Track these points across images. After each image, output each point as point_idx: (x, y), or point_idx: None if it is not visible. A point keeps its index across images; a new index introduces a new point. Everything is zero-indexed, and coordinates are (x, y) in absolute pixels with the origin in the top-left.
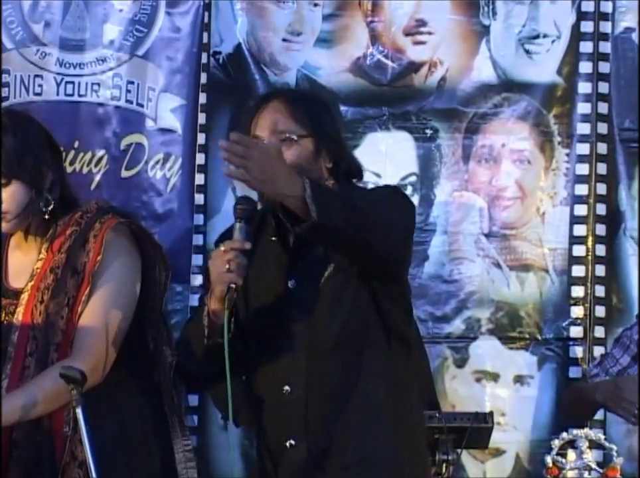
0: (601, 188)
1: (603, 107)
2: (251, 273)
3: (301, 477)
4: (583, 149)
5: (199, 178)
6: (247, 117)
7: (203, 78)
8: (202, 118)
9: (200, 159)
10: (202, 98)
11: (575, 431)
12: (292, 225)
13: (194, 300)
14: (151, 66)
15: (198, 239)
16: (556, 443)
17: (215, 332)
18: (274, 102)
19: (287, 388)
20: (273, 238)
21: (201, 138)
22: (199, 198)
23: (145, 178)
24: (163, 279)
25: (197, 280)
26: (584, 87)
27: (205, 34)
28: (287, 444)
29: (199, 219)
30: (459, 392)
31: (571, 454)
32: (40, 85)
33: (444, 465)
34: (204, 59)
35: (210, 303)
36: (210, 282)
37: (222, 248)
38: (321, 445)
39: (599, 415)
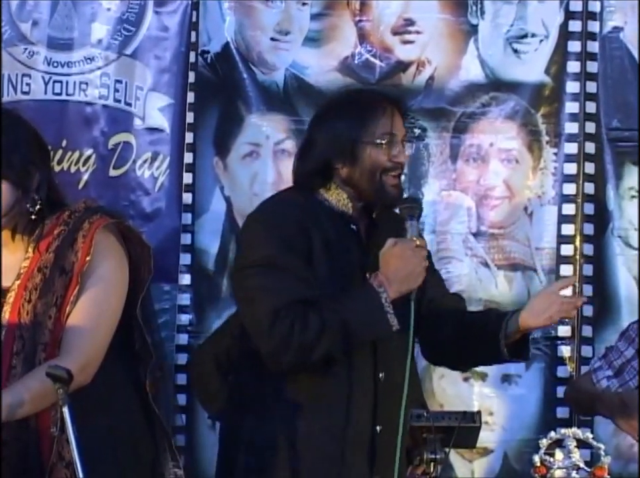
0: (589, 188)
1: (591, 107)
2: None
3: (386, 464)
4: (571, 148)
5: (187, 177)
6: (383, 116)
7: (191, 77)
8: (190, 117)
9: (188, 158)
10: (190, 97)
11: (563, 431)
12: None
13: (182, 299)
14: (139, 65)
15: (186, 239)
16: (544, 442)
17: None
18: (396, 107)
19: (382, 374)
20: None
21: (189, 137)
22: (187, 197)
23: (132, 178)
24: (148, 280)
25: (185, 279)
26: (572, 87)
27: (193, 33)
28: (377, 429)
29: (187, 218)
30: (447, 391)
31: (559, 453)
32: (28, 84)
33: (432, 464)
34: (192, 58)
35: (391, 295)
36: (397, 278)
37: (418, 243)
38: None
39: None
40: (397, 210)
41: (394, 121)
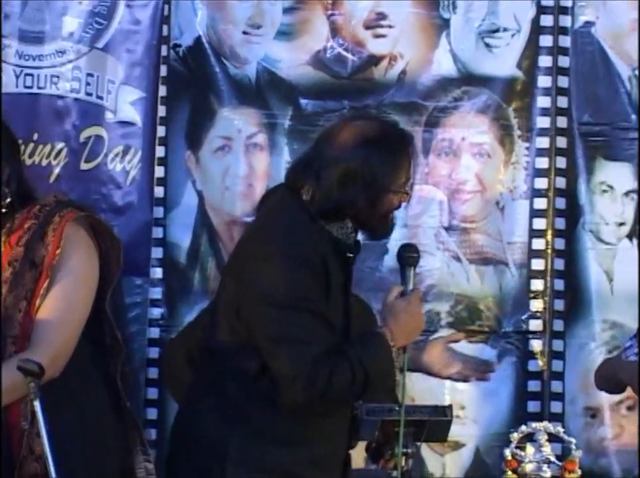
0: (561, 182)
1: (562, 101)
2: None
3: None
4: (542, 142)
5: (159, 171)
6: (408, 163)
7: (163, 70)
8: (162, 111)
9: (160, 151)
10: (162, 91)
11: (534, 425)
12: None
13: (153, 293)
14: (110, 58)
15: (157, 232)
16: (515, 436)
17: None
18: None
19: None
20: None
21: (161, 131)
22: (159, 191)
23: (104, 171)
24: (118, 274)
25: (157, 273)
26: (544, 81)
27: (165, 27)
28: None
29: (159, 212)
30: (418, 385)
31: (530, 447)
32: None
33: (403, 458)
34: (164, 52)
35: (396, 346)
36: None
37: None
38: None
39: (557, 408)
40: (399, 256)
41: (412, 165)
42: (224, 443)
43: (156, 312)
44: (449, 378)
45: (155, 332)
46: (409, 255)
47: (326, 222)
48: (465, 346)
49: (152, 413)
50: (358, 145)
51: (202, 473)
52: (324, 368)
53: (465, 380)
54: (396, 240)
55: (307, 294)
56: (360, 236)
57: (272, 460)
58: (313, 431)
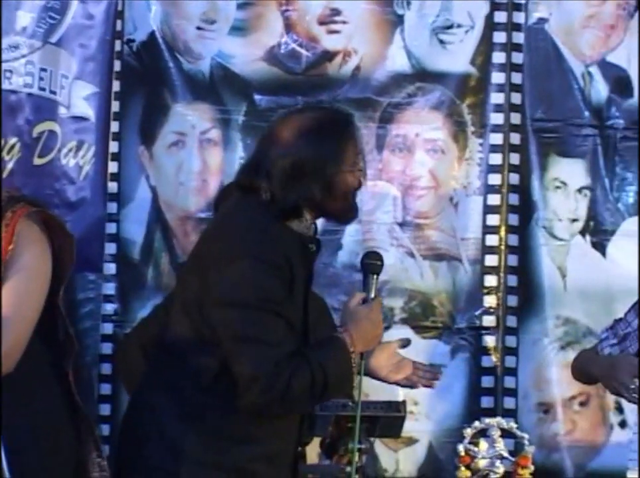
0: (514, 178)
1: (516, 98)
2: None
3: None
4: (496, 138)
5: (112, 166)
6: (354, 139)
7: (117, 65)
8: (115, 106)
9: (113, 146)
10: (116, 86)
11: (487, 420)
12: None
13: (106, 289)
14: (64, 53)
15: (111, 228)
16: (468, 432)
17: None
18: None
19: None
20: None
21: (115, 126)
22: (112, 186)
23: (57, 166)
24: (70, 269)
25: (110, 269)
26: (497, 78)
27: (119, 22)
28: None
29: (112, 207)
30: (372, 381)
31: (483, 443)
32: None
33: (357, 453)
34: (117, 47)
35: (356, 353)
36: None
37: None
38: None
39: (511, 404)
40: (362, 263)
41: (358, 141)
42: (180, 440)
43: (109, 308)
44: (396, 383)
45: (108, 328)
46: (372, 262)
47: (287, 219)
48: (418, 342)
49: (105, 409)
50: (299, 136)
51: (157, 471)
52: (284, 371)
53: (412, 386)
54: (350, 236)
55: (271, 295)
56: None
57: (228, 458)
58: (268, 428)
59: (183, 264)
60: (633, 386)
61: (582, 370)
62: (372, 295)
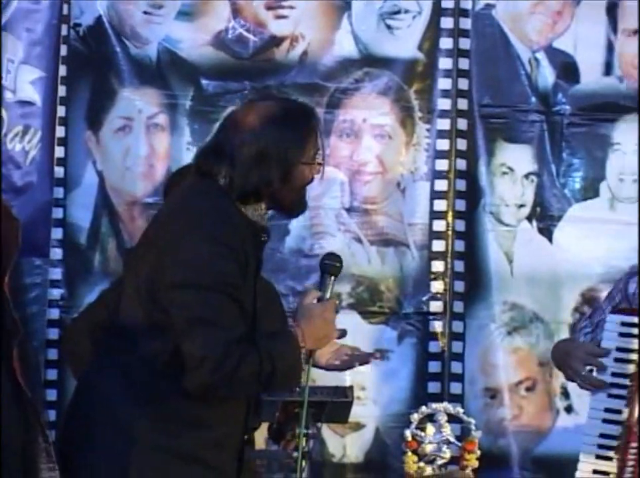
0: (461, 164)
1: (463, 83)
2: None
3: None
4: (443, 124)
5: (59, 151)
6: (315, 133)
7: (63, 50)
8: (62, 91)
9: (59, 131)
10: (62, 70)
11: (434, 405)
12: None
13: (53, 274)
14: (10, 37)
15: (57, 213)
16: (415, 417)
17: None
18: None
19: None
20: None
21: (61, 111)
22: (59, 171)
23: (3, 151)
24: (15, 254)
25: (56, 254)
26: (444, 63)
27: (65, 6)
28: (245, 437)
29: (59, 192)
30: None
31: (430, 428)
32: None
33: (304, 439)
34: (64, 31)
35: (309, 345)
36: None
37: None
38: None
39: (457, 389)
40: (321, 263)
41: (319, 136)
42: (131, 424)
43: (55, 293)
44: (335, 368)
45: (54, 313)
46: (332, 264)
47: (243, 205)
48: (365, 328)
49: (51, 395)
50: (264, 124)
51: (107, 454)
52: (234, 353)
53: (350, 367)
54: (297, 221)
55: (228, 279)
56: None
57: (179, 443)
58: (217, 413)
59: (132, 249)
60: (584, 373)
61: (556, 358)
62: (328, 296)
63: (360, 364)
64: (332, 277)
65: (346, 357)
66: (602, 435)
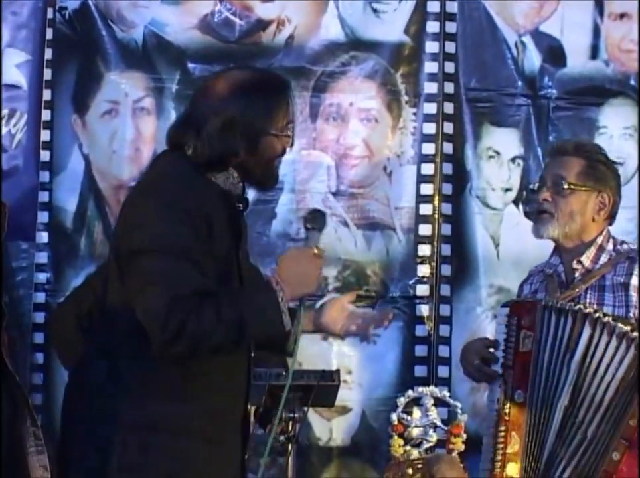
0: (448, 148)
1: (449, 67)
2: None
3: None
4: (430, 108)
5: (45, 135)
6: (286, 105)
7: (49, 33)
8: (48, 74)
9: (46, 115)
10: (48, 54)
11: (420, 389)
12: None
13: (39, 257)
14: None
15: (43, 197)
16: (402, 400)
17: None
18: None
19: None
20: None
21: (47, 94)
22: (45, 155)
23: None
24: (1, 238)
25: (42, 238)
26: (431, 47)
27: None
28: (249, 408)
29: (45, 176)
30: (306, 350)
31: (416, 411)
32: None
33: (290, 423)
34: (49, 14)
35: (286, 296)
36: (299, 282)
37: (316, 251)
38: None
39: (444, 373)
40: (304, 220)
41: (291, 109)
42: (115, 404)
43: (42, 276)
44: (352, 334)
45: (40, 297)
46: (310, 216)
47: (212, 174)
48: (351, 312)
49: (37, 378)
50: (233, 93)
51: (101, 438)
52: (179, 309)
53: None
54: (283, 205)
55: (181, 241)
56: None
57: (165, 417)
58: (206, 383)
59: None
60: (476, 363)
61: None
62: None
63: (376, 327)
64: (315, 232)
65: (360, 320)
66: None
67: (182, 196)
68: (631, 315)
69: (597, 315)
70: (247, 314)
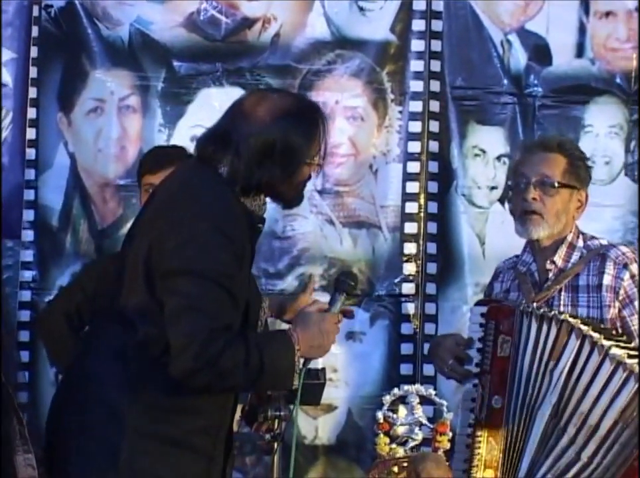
0: (434, 146)
1: (435, 65)
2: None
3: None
4: (415, 106)
5: (30, 133)
6: (320, 136)
7: (34, 31)
8: (33, 72)
9: (31, 113)
10: (34, 52)
11: (406, 387)
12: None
13: (24, 255)
14: None
15: (29, 195)
16: (387, 398)
17: None
18: None
19: None
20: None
21: (32, 92)
22: (30, 153)
23: None
24: None
25: (28, 236)
26: (417, 45)
27: None
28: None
29: (30, 174)
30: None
31: (402, 410)
32: None
33: (276, 421)
34: (35, 12)
35: (302, 351)
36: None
37: (339, 318)
38: None
39: (430, 371)
40: (336, 279)
41: (325, 137)
42: (122, 410)
43: (27, 275)
44: None
45: (26, 295)
46: (346, 281)
47: (243, 195)
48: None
49: (23, 377)
50: (275, 117)
51: (98, 439)
52: (218, 340)
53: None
54: (269, 203)
55: (223, 268)
56: None
57: (170, 429)
58: (209, 402)
59: (130, 232)
60: (450, 362)
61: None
62: (333, 311)
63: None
64: (344, 295)
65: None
66: (470, 425)
67: (226, 222)
68: (607, 316)
69: (585, 328)
70: (267, 364)
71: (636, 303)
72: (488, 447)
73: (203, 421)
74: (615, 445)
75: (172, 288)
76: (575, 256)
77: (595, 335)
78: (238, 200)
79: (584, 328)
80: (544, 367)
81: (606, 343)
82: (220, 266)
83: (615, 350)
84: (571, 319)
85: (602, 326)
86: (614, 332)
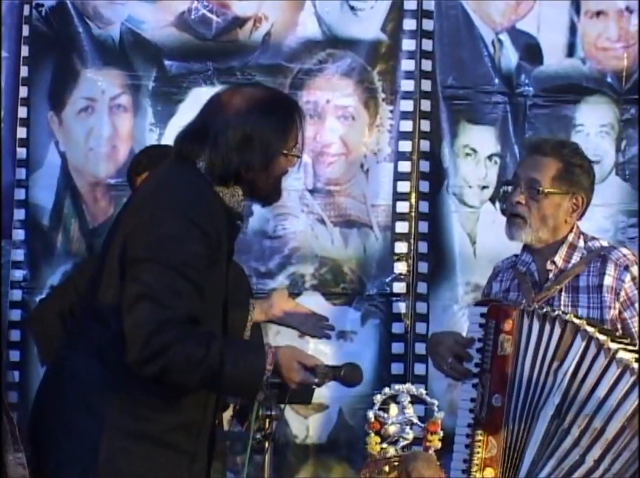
0: (425, 145)
1: (426, 65)
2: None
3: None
4: (407, 105)
5: (21, 132)
6: (297, 127)
7: (25, 30)
8: (24, 71)
9: (22, 112)
10: (25, 51)
11: (397, 387)
12: None
13: (15, 255)
14: None
15: (20, 194)
16: (378, 398)
17: None
18: None
19: None
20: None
21: (23, 91)
22: (21, 152)
23: None
24: None
25: (19, 235)
26: (408, 45)
27: None
28: (216, 421)
29: (21, 173)
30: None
31: (393, 409)
32: None
33: (267, 420)
34: (26, 11)
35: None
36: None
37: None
38: None
39: (421, 370)
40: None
41: (301, 130)
42: (103, 407)
43: (18, 274)
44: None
45: (17, 295)
46: (351, 374)
47: (220, 189)
48: (328, 309)
49: (13, 376)
50: (250, 109)
51: (78, 436)
52: (168, 332)
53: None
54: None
55: (194, 262)
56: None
57: (148, 427)
58: (186, 399)
59: (109, 231)
60: (450, 361)
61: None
62: (316, 380)
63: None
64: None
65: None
66: (469, 425)
67: (200, 214)
68: (607, 317)
69: (591, 330)
70: (227, 372)
71: (637, 305)
72: (489, 446)
73: (183, 418)
74: (624, 452)
75: (134, 275)
76: (576, 257)
77: (602, 337)
78: (217, 196)
79: (590, 329)
80: (547, 367)
81: (613, 346)
82: (187, 257)
83: (622, 354)
84: (576, 320)
85: (605, 328)
86: (618, 334)
